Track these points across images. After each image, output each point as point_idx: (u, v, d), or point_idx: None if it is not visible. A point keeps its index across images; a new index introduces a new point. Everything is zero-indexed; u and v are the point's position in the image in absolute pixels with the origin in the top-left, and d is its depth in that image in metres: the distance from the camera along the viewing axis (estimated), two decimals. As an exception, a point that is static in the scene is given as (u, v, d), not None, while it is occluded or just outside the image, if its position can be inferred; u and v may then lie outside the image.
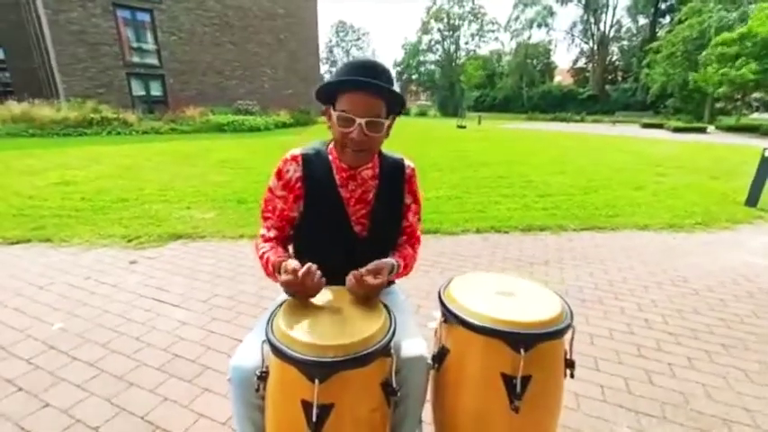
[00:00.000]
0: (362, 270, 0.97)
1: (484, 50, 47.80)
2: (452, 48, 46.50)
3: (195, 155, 8.40)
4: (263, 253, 1.10)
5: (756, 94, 26.61)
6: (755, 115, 29.19)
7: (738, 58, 19.22)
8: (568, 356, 0.97)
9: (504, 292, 1.00)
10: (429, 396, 1.09)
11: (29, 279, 2.70)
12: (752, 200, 5.12)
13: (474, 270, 3.03)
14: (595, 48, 42.04)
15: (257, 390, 0.90)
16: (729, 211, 4.84)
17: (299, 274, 0.90)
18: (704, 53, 21.48)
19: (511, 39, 46.59)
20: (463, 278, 1.09)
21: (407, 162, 1.24)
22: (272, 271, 1.05)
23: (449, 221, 4.18)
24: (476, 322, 0.88)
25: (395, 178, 1.19)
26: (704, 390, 1.77)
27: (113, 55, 15.09)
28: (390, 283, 1.30)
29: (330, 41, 53.75)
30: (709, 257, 3.40)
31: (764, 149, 5.06)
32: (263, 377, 0.90)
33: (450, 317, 0.94)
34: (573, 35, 44.12)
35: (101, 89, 14.82)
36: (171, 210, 4.35)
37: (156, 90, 16.55)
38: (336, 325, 0.87)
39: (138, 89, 16.03)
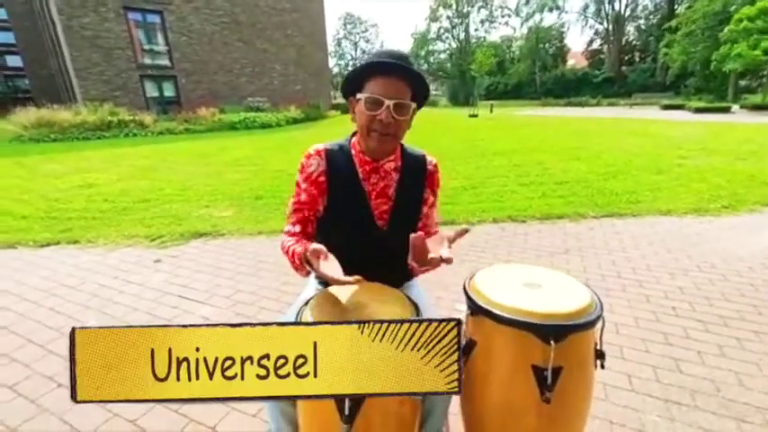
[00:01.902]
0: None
1: (494, 37, 46.90)
2: (462, 35, 45.68)
3: (210, 154, 8.53)
4: (289, 247, 1.09)
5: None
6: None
7: (760, 35, 18.39)
8: (598, 347, 0.95)
9: (530, 284, 0.99)
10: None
11: (60, 280, 2.81)
12: (781, 180, 4.92)
13: (493, 261, 3.01)
14: (611, 28, 40.69)
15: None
16: (758, 193, 4.66)
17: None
18: (726, 28, 20.58)
19: (522, 23, 45.53)
20: (488, 270, 1.09)
21: (430, 158, 1.23)
22: (300, 263, 1.04)
23: (464, 212, 4.15)
24: (505, 315, 0.88)
25: (417, 173, 1.19)
26: (736, 377, 1.72)
27: (126, 58, 15.38)
28: (411, 276, 1.30)
29: (338, 34, 53.43)
30: (737, 242, 3.29)
31: (795, 127, 4.84)
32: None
33: (477, 310, 0.94)
34: (586, 16, 42.84)
35: (116, 92, 15.15)
36: (190, 209, 4.44)
37: (168, 91, 16.83)
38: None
39: (151, 90, 16.32)
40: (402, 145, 1.18)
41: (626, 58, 40.77)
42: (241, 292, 2.56)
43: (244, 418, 1.56)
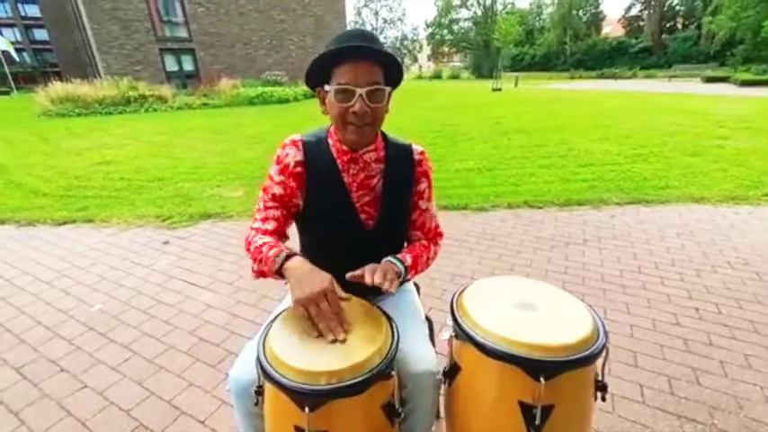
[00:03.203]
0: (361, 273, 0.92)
1: (523, 3, 44.10)
2: (489, 2, 43.19)
3: (226, 130, 8.52)
4: (262, 246, 0.96)
5: None
6: None
7: None
8: (600, 378, 0.85)
9: (524, 305, 0.88)
10: (443, 412, 1.02)
11: (73, 260, 2.87)
12: (834, 165, 4.46)
13: (503, 252, 2.88)
14: (653, -9, 37.45)
15: (256, 403, 0.87)
16: (807, 179, 4.25)
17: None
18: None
19: (555, -13, 42.45)
20: (479, 285, 0.98)
21: (416, 146, 1.13)
22: (270, 269, 0.93)
23: (478, 196, 3.98)
24: (489, 344, 0.78)
25: (402, 162, 1.09)
26: (762, 394, 1.58)
27: (145, 31, 15.34)
28: (403, 280, 1.21)
29: (358, 2, 51.60)
30: (776, 235, 3.02)
31: None
32: (261, 392, 0.85)
33: (461, 334, 0.84)
34: (626, -22, 39.41)
35: (137, 66, 15.24)
36: (202, 188, 4.45)
37: (188, 65, 16.80)
38: (332, 345, 0.80)
39: (171, 64, 16.33)
40: (385, 134, 1.09)
41: (667, 25, 37.66)
42: (243, 279, 2.55)
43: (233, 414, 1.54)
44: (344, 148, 1.02)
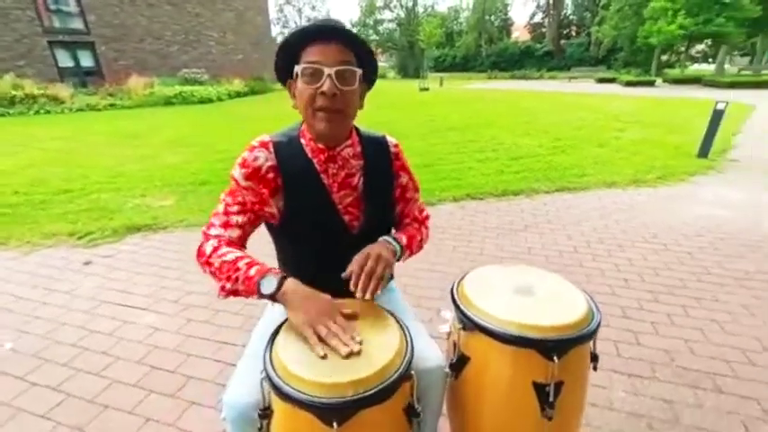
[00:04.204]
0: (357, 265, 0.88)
1: (442, 7, 46.39)
2: (410, 4, 44.63)
3: (142, 133, 7.67)
4: (236, 260, 0.85)
5: (699, 46, 27.96)
6: (696, 66, 30.80)
7: (675, 12, 20.04)
8: (592, 350, 0.92)
9: (522, 290, 0.92)
10: (444, 406, 1.03)
11: (-38, 294, 2.36)
12: (704, 151, 5.40)
13: (456, 243, 3.00)
14: (551, 1, 41.84)
15: (260, 429, 0.79)
16: (685, 163, 5.09)
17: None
18: (650, 6, 22.01)
19: (468, -7, 45.32)
20: (474, 275, 1.01)
21: (390, 138, 1.10)
22: (253, 288, 0.84)
23: (424, 191, 4.05)
24: (503, 331, 0.80)
25: (380, 156, 1.05)
26: (686, 345, 1.85)
27: (28, 20, 13.13)
28: (389, 278, 1.20)
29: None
30: (672, 211, 3.57)
31: (717, 102, 5.29)
32: (267, 415, 0.78)
33: (470, 325, 0.86)
34: (529, -12, 43.54)
35: (19, 61, 12.98)
36: (123, 199, 3.95)
37: (86, 60, 14.74)
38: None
39: (65, 60, 14.19)
40: (358, 129, 1.04)
41: (564, 32, 42.41)
42: (192, 295, 2.32)
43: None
44: (320, 146, 0.95)
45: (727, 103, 5.27)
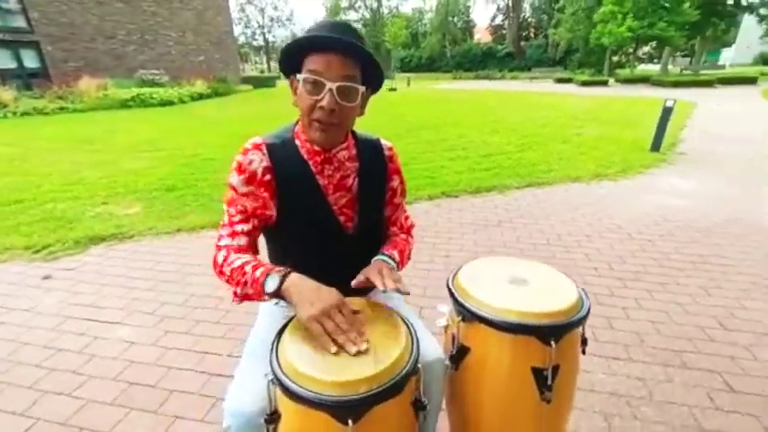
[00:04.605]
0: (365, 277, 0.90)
1: (406, 8, 46.92)
2: (375, 5, 44.81)
3: (99, 138, 7.23)
4: (243, 265, 0.86)
5: (645, 48, 29.95)
6: (643, 66, 32.96)
7: (623, 16, 21.42)
8: (582, 334, 0.97)
9: (516, 280, 0.96)
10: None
11: None
12: (656, 145, 5.79)
13: (436, 240, 3.05)
14: (510, 4, 43.34)
15: (267, 435, 0.78)
16: (640, 157, 5.43)
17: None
18: (600, 9, 23.32)
19: (431, -5, 46.11)
20: (469, 268, 1.03)
21: (384, 142, 1.11)
22: (260, 291, 0.84)
23: (401, 191, 4.13)
24: (504, 320, 0.83)
25: (375, 160, 1.06)
26: (654, 327, 1.99)
27: (-40, 17, 12.07)
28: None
29: (241, -1, 48.46)
30: (633, 202, 3.80)
31: (666, 100, 5.69)
32: (274, 420, 0.77)
33: (470, 316, 0.88)
34: (489, -9, 44.86)
35: (-49, 62, 11.91)
36: (83, 208, 3.72)
37: (31, 61, 13.71)
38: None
39: (5, 61, 13.13)
40: (353, 131, 1.05)
41: (523, 34, 44.06)
42: (167, 305, 2.22)
43: None
44: (315, 148, 0.95)
45: (675, 100, 5.68)
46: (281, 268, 0.85)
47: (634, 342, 1.88)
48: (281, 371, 0.72)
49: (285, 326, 0.84)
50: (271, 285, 0.82)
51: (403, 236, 1.16)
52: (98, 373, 1.73)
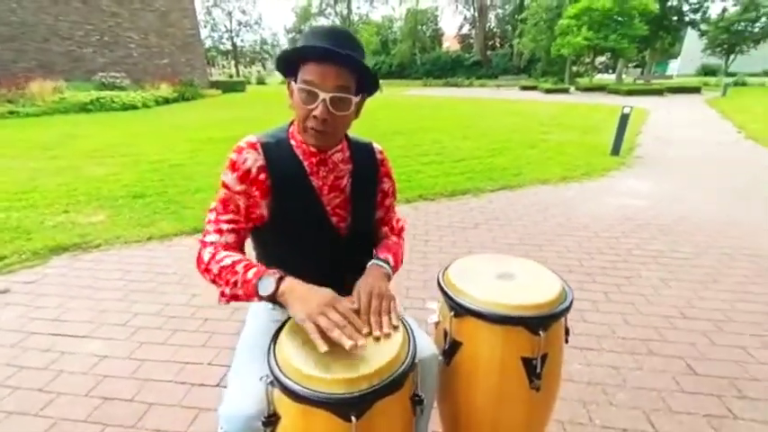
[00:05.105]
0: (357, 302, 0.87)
1: (376, 16, 47.41)
2: (345, 11, 45.01)
3: (56, 143, 6.81)
4: (234, 264, 0.85)
5: (601, 58, 31.80)
6: (600, 76, 34.95)
7: (579, 28, 22.80)
8: (565, 324, 1.03)
9: (504, 275, 1.01)
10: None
11: None
12: (616, 149, 6.15)
13: (414, 242, 3.09)
14: (476, 15, 44.77)
15: (266, 436, 0.77)
16: (602, 161, 5.75)
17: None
18: (560, 22, 24.61)
19: (400, 3, 46.87)
20: (457, 266, 1.07)
21: (376, 146, 1.14)
22: (253, 292, 0.83)
23: (378, 195, 4.16)
24: (495, 312, 0.87)
25: (367, 163, 1.09)
26: (622, 318, 2.11)
27: None
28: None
29: (207, 1, 47.26)
30: (597, 203, 4.02)
31: (623, 107, 6.07)
32: (272, 422, 0.77)
33: (462, 311, 0.91)
34: (456, 1, 46.19)
35: None
36: (41, 217, 3.49)
37: (-26, 61, 12.75)
38: (354, 350, 0.77)
39: (-56, 60, 12.14)
40: (347, 135, 1.07)
41: (489, 43, 45.59)
42: (141, 316, 2.13)
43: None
44: (311, 149, 0.96)
45: (632, 108, 6.07)
46: (274, 271, 0.85)
47: (605, 333, 1.99)
48: (281, 371, 0.72)
49: (281, 327, 0.85)
50: (265, 289, 0.81)
51: (394, 238, 1.18)
52: (67, 389, 1.63)
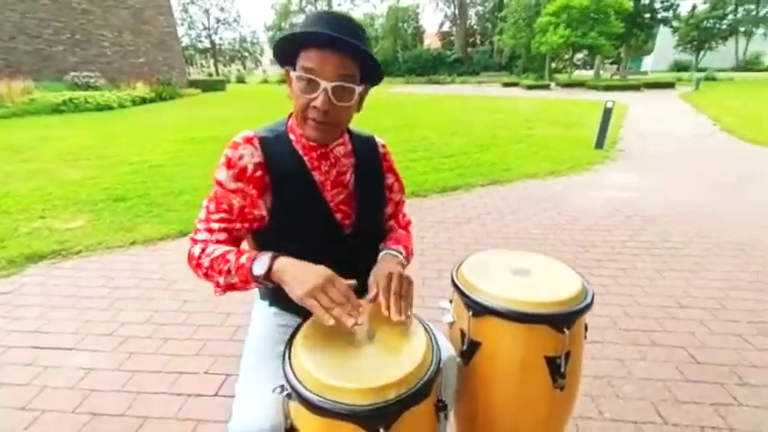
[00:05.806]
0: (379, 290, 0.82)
1: (357, 13, 47.09)
2: (325, 8, 44.51)
3: (28, 146, 6.49)
4: (224, 254, 0.81)
5: (579, 55, 32.47)
6: (578, 72, 35.73)
7: (558, 26, 23.24)
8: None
9: (519, 271, 0.97)
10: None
11: None
12: (599, 143, 6.26)
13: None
14: (457, 12, 45.03)
15: (282, 453, 0.72)
16: (587, 154, 5.84)
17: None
18: (539, 20, 25.00)
19: (381, 1, 46.76)
20: (470, 262, 1.03)
21: (378, 139, 1.09)
22: (247, 278, 0.78)
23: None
24: (517, 310, 0.83)
25: (370, 156, 1.03)
26: (622, 310, 2.12)
27: None
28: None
29: (183, -2, 46.02)
30: (586, 196, 4.06)
31: (606, 102, 6.17)
32: (291, 436, 0.71)
33: (481, 310, 0.87)
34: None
35: None
36: (15, 223, 3.31)
37: (-67, 61, 12.05)
38: (379, 354, 0.72)
39: None
40: (348, 128, 1.01)
41: (470, 40, 45.95)
42: (128, 324, 2.02)
43: None
44: (311, 143, 0.91)
45: (614, 102, 6.18)
46: (268, 252, 0.80)
47: (607, 325, 1.99)
48: (299, 382, 0.67)
49: (294, 333, 0.79)
50: (259, 269, 0.77)
51: (402, 231, 1.14)
52: (52, 406, 1.53)
